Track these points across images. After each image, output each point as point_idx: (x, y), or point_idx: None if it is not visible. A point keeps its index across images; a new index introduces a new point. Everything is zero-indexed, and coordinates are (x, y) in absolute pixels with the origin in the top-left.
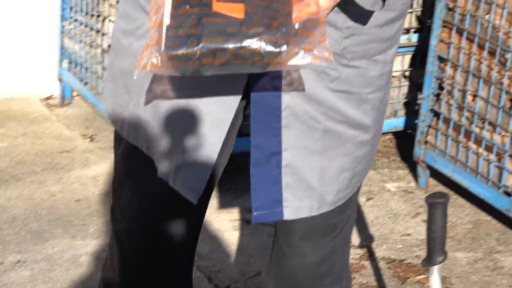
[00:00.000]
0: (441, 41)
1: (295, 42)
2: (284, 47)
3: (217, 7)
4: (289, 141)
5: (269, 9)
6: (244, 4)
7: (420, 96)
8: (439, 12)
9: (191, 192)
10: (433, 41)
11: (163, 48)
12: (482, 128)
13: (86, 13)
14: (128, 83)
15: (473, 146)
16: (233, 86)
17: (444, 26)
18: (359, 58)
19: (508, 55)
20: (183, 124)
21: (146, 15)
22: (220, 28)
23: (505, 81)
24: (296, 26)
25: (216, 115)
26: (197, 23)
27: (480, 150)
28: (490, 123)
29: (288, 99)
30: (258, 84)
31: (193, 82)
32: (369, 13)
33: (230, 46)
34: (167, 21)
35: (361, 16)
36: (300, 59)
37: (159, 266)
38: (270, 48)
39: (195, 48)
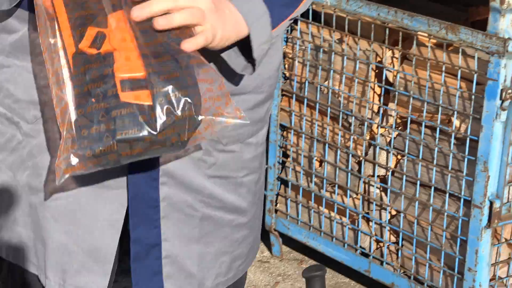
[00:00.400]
0: (282, 109)
1: (205, 111)
2: (198, 120)
3: (124, 97)
4: (168, 231)
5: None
6: (149, 89)
7: (265, 165)
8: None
9: None
10: (274, 111)
11: (79, 149)
12: (332, 192)
13: None
14: (1, 200)
15: (325, 210)
16: (116, 183)
17: (283, 95)
18: (234, 142)
19: (351, 119)
20: (73, 232)
21: (16, 127)
22: (132, 118)
23: (351, 144)
24: (200, 94)
25: (108, 217)
26: (108, 117)
27: (333, 214)
28: (340, 187)
29: (166, 190)
30: (135, 177)
31: (76, 186)
32: (240, 77)
33: (146, 133)
34: (76, 121)
35: (232, 82)
36: (215, 125)
37: None
38: None
39: (111, 143)
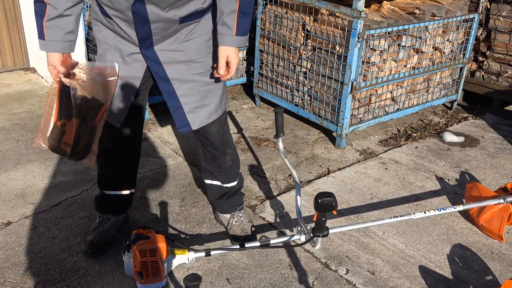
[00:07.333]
0: (260, 43)
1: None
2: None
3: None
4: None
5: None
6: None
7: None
8: None
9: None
10: (256, 42)
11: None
12: (282, 79)
13: None
14: None
15: (279, 86)
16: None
17: (261, 36)
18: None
19: (291, 47)
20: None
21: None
22: None
23: (291, 58)
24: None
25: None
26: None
27: (283, 88)
28: (285, 76)
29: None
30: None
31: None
32: None
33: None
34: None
35: None
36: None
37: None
38: None
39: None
